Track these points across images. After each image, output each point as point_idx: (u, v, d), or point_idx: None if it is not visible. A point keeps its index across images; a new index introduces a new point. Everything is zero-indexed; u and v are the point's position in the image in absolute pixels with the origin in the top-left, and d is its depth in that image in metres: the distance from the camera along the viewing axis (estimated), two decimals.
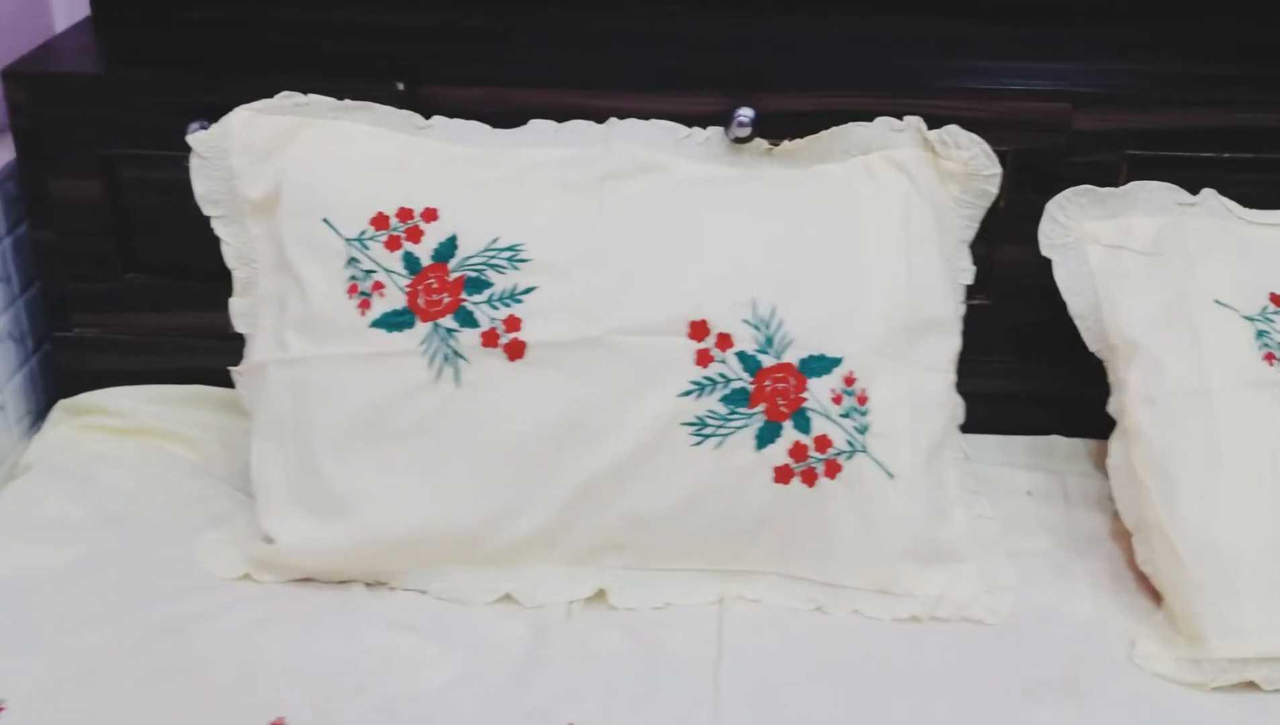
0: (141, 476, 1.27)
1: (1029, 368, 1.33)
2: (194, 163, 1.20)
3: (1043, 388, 1.33)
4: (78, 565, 1.15)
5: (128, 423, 1.33)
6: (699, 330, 1.12)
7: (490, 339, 1.12)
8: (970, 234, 1.23)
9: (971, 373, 1.21)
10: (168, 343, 1.36)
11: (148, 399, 1.35)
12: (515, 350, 1.12)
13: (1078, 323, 1.22)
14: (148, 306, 1.35)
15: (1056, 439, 1.34)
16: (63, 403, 1.36)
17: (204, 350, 1.33)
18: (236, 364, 1.24)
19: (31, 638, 1.06)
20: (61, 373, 1.37)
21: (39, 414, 1.39)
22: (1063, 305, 1.23)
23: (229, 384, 1.32)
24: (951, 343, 1.19)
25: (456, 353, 1.12)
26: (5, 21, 1.34)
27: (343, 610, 1.12)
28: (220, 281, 1.24)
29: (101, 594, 1.12)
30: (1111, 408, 1.20)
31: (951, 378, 1.18)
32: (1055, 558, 1.19)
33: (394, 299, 1.14)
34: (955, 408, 1.19)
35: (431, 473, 1.13)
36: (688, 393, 1.11)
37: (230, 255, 1.22)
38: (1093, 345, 1.22)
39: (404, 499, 1.13)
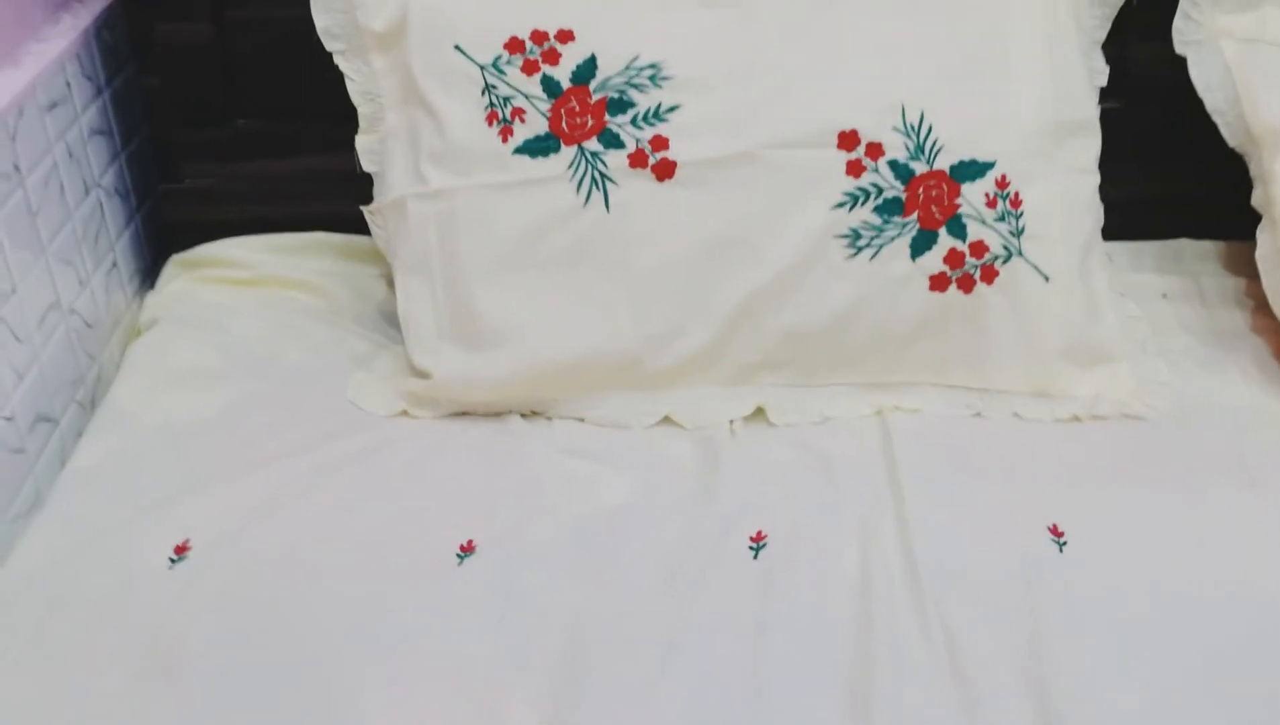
0: (271, 325, 1.25)
1: (1158, 172, 1.32)
2: None
3: (1171, 192, 1.33)
4: (230, 411, 1.14)
5: (248, 273, 1.31)
6: (849, 140, 1.10)
7: (638, 160, 1.10)
8: (1103, 34, 1.21)
9: (1101, 179, 1.20)
10: (281, 190, 1.32)
11: (265, 249, 1.32)
12: (664, 170, 1.10)
13: (1216, 119, 1.21)
14: (259, 153, 1.31)
15: (1185, 243, 1.34)
16: (176, 257, 1.33)
17: (319, 196, 1.30)
18: (353, 208, 1.21)
19: (203, 480, 1.05)
20: (171, 227, 1.34)
21: (148, 272, 1.37)
22: (1193, 105, 1.22)
23: (347, 229, 1.31)
24: (1095, 144, 1.18)
25: (604, 176, 1.10)
26: None
27: (507, 439, 1.12)
28: (333, 122, 1.21)
29: (262, 436, 1.11)
30: (1256, 200, 1.20)
31: (1096, 179, 1.18)
32: (1202, 354, 1.19)
33: (536, 124, 1.11)
34: (1099, 210, 1.18)
35: (587, 298, 1.12)
36: (840, 205, 1.10)
37: (355, 91, 1.18)
38: (1232, 141, 1.21)
39: (560, 326, 1.12)
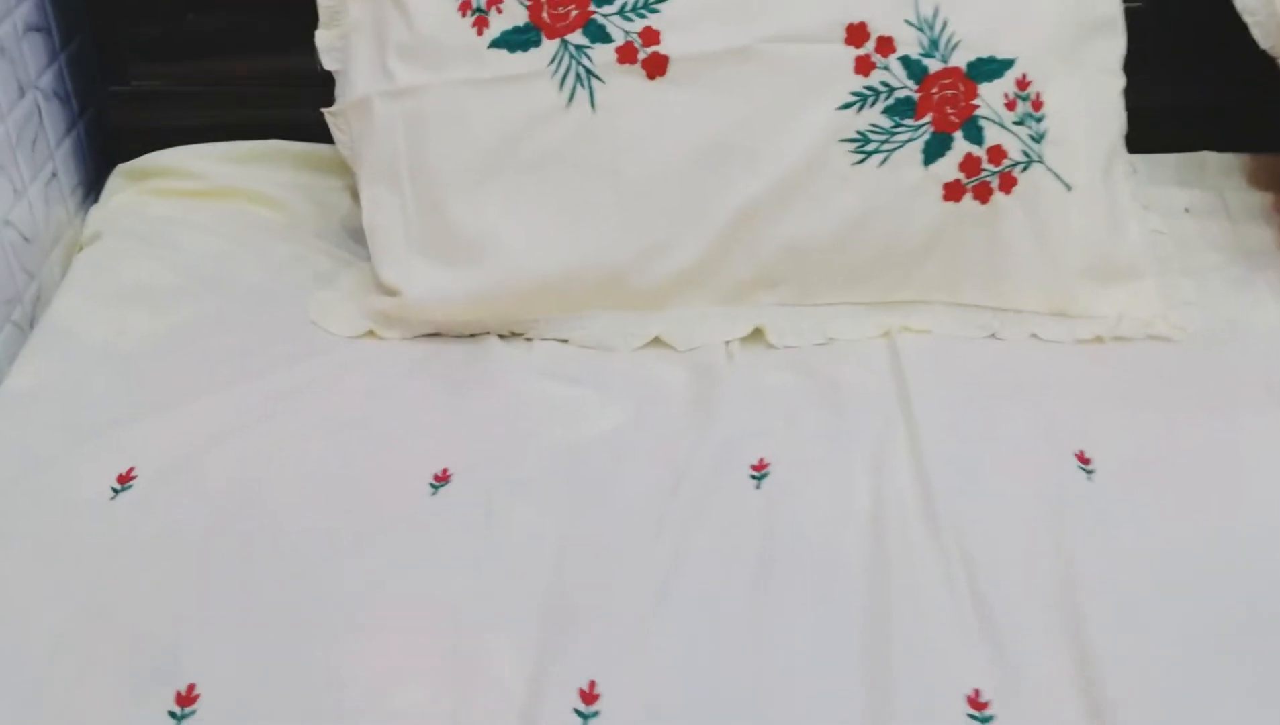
0: (226, 239, 1.15)
1: (1179, 78, 1.23)
2: None
3: (1193, 100, 1.24)
4: (181, 330, 1.04)
5: (200, 184, 1.20)
6: (857, 34, 1.01)
7: (626, 55, 1.00)
8: None
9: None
10: (236, 92, 1.22)
11: (219, 157, 1.21)
12: (655, 66, 1.01)
13: (1248, 19, 1.12)
14: (212, 51, 1.20)
15: (1208, 155, 1.25)
16: (122, 167, 1.22)
17: (277, 99, 1.20)
18: (314, 112, 1.11)
19: (151, 405, 0.96)
20: (117, 134, 1.23)
21: (92, 185, 1.27)
22: (1221, 6, 1.13)
23: (307, 137, 1.21)
24: (1120, 44, 1.09)
25: (590, 72, 1.01)
26: None
27: (484, 362, 1.02)
28: (291, 17, 1.11)
29: (217, 359, 1.01)
30: None
31: (1121, 81, 1.09)
32: (1230, 272, 1.11)
33: (514, 14, 1.01)
34: (1123, 116, 1.10)
35: (570, 207, 1.02)
36: (848, 105, 1.01)
37: None
38: (1264, 42, 1.12)
39: (541, 238, 1.02)
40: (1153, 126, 1.21)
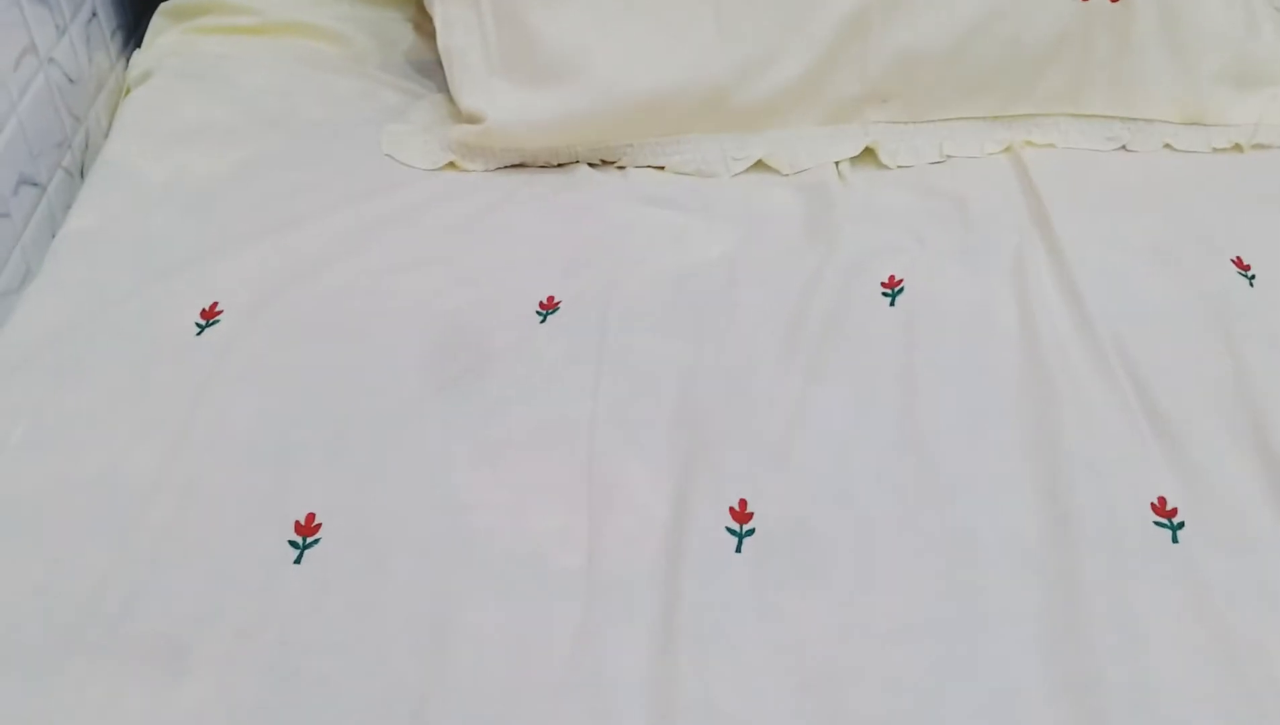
0: (285, 75, 1.07)
1: None
2: None
3: None
4: (247, 168, 0.97)
5: (253, 20, 1.11)
6: None
7: None
8: None
9: None
10: None
11: None
12: None
13: None
14: None
15: None
16: (165, 6, 1.13)
17: None
18: None
19: (226, 241, 0.89)
20: None
21: (131, 29, 1.18)
22: None
23: None
24: None
25: None
26: None
27: (577, 190, 0.95)
28: None
29: (288, 195, 0.94)
30: None
31: None
32: None
33: None
34: None
35: (665, 19, 0.94)
36: None
37: None
38: None
39: (635, 53, 0.95)
40: None
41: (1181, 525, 0.68)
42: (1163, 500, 0.69)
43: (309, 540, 0.68)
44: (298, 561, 0.67)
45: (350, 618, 0.65)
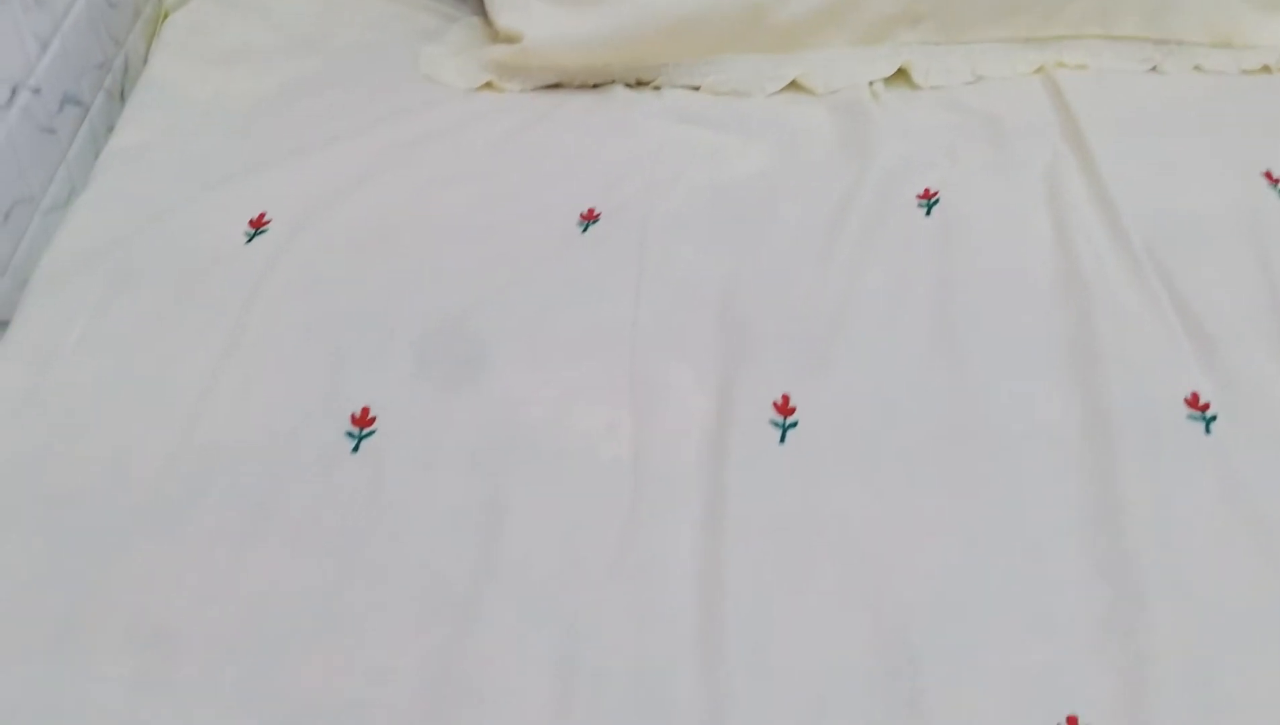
0: (319, 1, 1.08)
1: None
2: None
3: None
4: (287, 88, 0.98)
5: None
6: None
7: None
8: None
9: None
10: None
11: None
12: None
13: None
14: None
15: None
16: None
17: None
18: None
19: (271, 155, 0.90)
20: None
21: None
22: None
23: None
24: None
25: None
26: None
27: (614, 109, 0.96)
28: None
29: (329, 114, 0.95)
30: None
31: None
32: None
33: None
34: None
35: None
36: None
37: None
38: None
39: None
40: None
41: (1214, 418, 0.70)
42: (1195, 396, 0.71)
43: (365, 432, 0.70)
44: (355, 450, 0.69)
45: (405, 505, 0.67)
